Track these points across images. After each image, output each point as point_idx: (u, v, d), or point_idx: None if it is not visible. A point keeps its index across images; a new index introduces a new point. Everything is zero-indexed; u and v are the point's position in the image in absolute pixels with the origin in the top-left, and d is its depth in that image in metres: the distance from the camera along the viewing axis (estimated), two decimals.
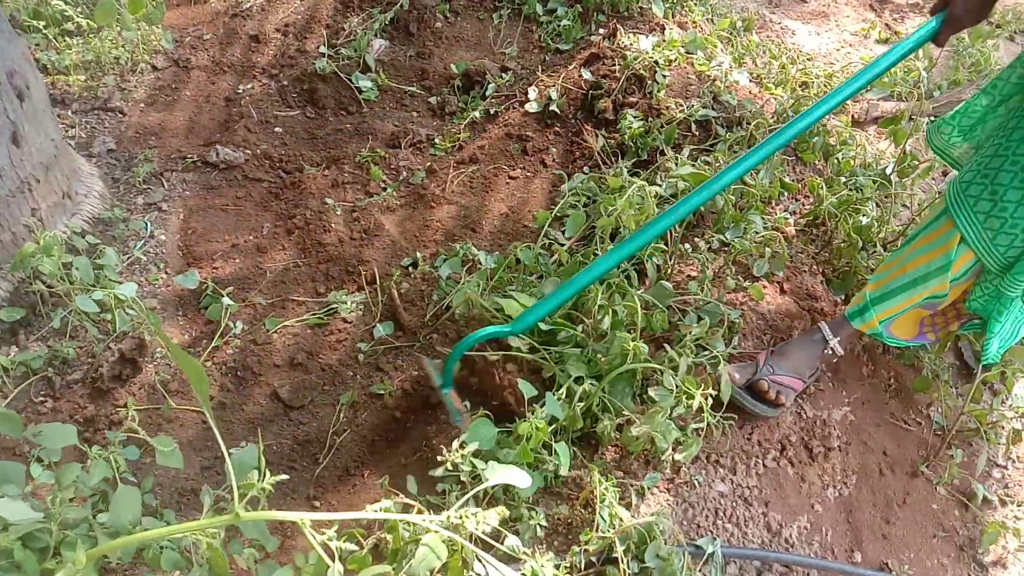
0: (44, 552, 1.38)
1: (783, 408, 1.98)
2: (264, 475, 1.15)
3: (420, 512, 1.19)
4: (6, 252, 2.21)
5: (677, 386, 1.79)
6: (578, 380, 1.89)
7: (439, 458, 1.68)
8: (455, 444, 1.64)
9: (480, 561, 1.15)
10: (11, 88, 2.13)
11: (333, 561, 1.08)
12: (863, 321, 1.95)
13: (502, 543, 1.29)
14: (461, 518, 1.13)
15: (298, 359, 2.20)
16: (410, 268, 2.48)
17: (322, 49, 3.25)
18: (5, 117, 2.11)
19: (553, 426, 1.78)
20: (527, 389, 1.80)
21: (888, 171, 2.72)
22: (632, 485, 1.80)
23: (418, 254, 2.50)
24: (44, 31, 3.16)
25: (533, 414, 1.69)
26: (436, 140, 3.01)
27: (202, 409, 2.07)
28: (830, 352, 2.03)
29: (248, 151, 2.87)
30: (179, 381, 2.15)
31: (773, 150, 1.82)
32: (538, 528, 1.68)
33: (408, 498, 1.50)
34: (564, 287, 1.83)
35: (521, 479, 1.28)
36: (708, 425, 1.82)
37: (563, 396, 1.83)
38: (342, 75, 3.14)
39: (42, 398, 2.07)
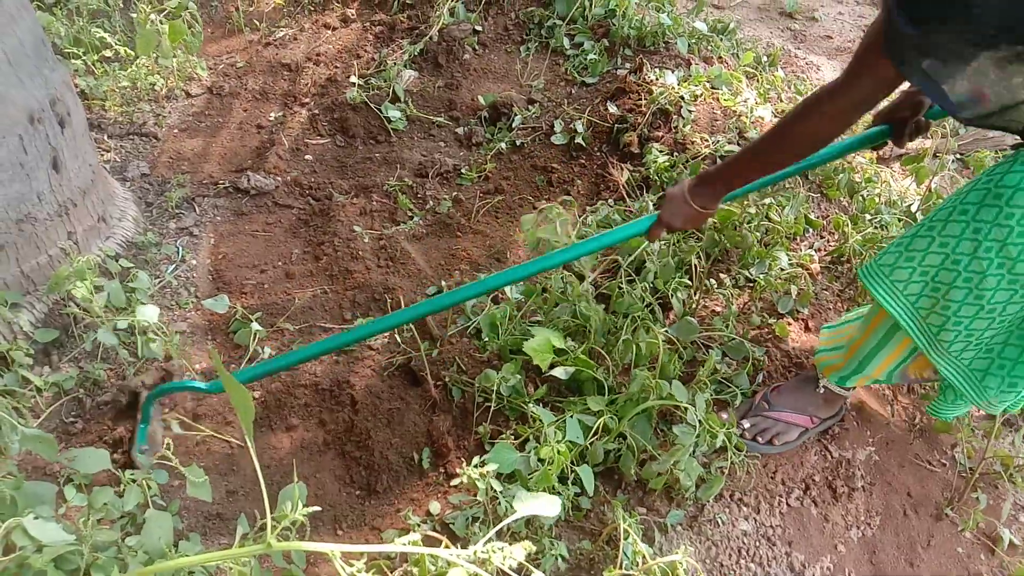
0: (75, 574, 1.40)
1: (779, 447, 1.99)
2: (298, 506, 1.17)
3: (447, 546, 1.21)
4: (42, 274, 2.25)
5: (700, 422, 1.80)
6: (598, 414, 1.91)
7: (458, 473, 1.70)
8: (474, 462, 1.66)
9: None
10: (53, 115, 2.19)
11: None
12: (850, 384, 1.96)
13: None
14: (488, 552, 1.14)
15: (323, 385, 2.22)
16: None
17: (353, 79, 3.31)
18: (47, 143, 2.17)
19: (573, 451, 1.80)
20: (546, 416, 1.82)
21: (914, 209, 2.73)
22: (655, 522, 1.80)
23: (443, 283, 2.53)
24: (83, 58, 3.25)
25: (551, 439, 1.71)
26: (463, 170, 3.05)
27: (226, 435, 2.10)
28: (822, 390, 2.02)
29: (279, 178, 2.92)
30: (206, 405, 2.17)
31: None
32: (559, 560, 1.69)
33: (432, 531, 1.52)
34: (282, 357, 1.87)
35: (550, 508, 1.28)
36: (732, 463, 1.82)
37: (582, 427, 1.85)
38: (372, 105, 3.20)
39: (73, 418, 2.11)
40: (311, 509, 1.17)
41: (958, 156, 3.29)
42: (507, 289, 2.42)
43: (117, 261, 2.39)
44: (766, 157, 1.63)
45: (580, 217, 2.60)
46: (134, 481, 1.60)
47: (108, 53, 3.29)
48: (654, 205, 2.56)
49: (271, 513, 1.10)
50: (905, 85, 1.65)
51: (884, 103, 1.72)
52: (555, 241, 2.15)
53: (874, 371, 1.85)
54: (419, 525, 1.78)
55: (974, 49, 1.20)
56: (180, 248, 2.59)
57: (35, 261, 2.22)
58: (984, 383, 1.63)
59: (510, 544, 1.13)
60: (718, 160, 2.69)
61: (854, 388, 2.01)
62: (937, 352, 1.61)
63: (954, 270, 1.48)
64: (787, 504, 1.93)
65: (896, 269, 1.58)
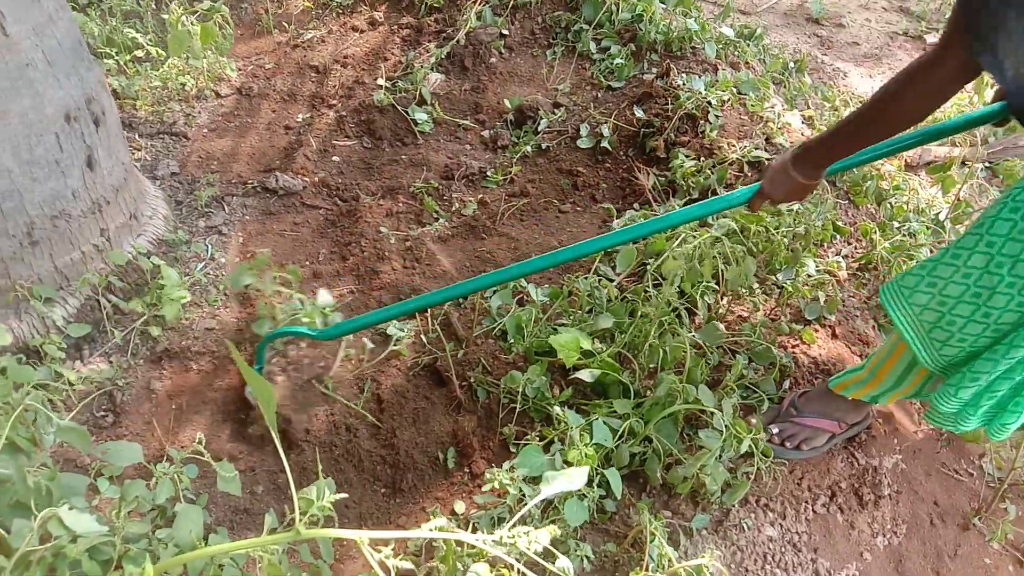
0: (107, 564, 1.42)
1: (808, 452, 1.98)
2: (324, 494, 1.18)
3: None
4: (75, 270, 2.29)
5: (727, 427, 1.80)
6: (624, 417, 1.91)
7: (483, 476, 1.71)
8: (504, 466, 1.67)
9: None
10: (89, 114, 2.22)
11: None
12: (882, 402, 1.95)
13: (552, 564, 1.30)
14: (513, 537, 1.14)
15: (350, 380, 2.24)
16: (460, 298, 2.52)
17: (380, 81, 3.33)
18: (82, 141, 2.20)
19: (600, 454, 1.80)
20: (573, 418, 1.82)
21: (941, 217, 2.71)
22: (680, 525, 1.80)
23: None
24: (116, 57, 3.29)
25: (579, 441, 1.71)
26: (488, 173, 3.06)
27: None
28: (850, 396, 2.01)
29: (306, 179, 2.95)
30: None
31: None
32: (585, 561, 1.69)
33: (462, 527, 1.53)
34: (386, 310, 2.01)
35: (577, 480, 1.25)
36: (758, 468, 1.82)
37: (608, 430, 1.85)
38: (399, 107, 3.22)
39: (103, 413, 2.14)
40: (338, 496, 1.19)
41: (987, 164, 3.27)
42: (532, 291, 2.43)
43: (148, 258, 2.42)
44: (863, 131, 1.62)
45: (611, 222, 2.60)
46: (166, 475, 1.62)
47: (140, 53, 3.34)
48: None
49: (297, 502, 1.11)
50: None
51: None
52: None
53: (906, 387, 1.84)
54: (450, 516, 1.79)
55: None
56: (209, 246, 2.62)
57: (68, 257, 2.26)
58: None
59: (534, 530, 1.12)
60: (745, 166, 2.69)
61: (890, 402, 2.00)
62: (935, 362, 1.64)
63: (972, 303, 1.51)
64: (813, 510, 1.92)
65: (916, 293, 1.60)
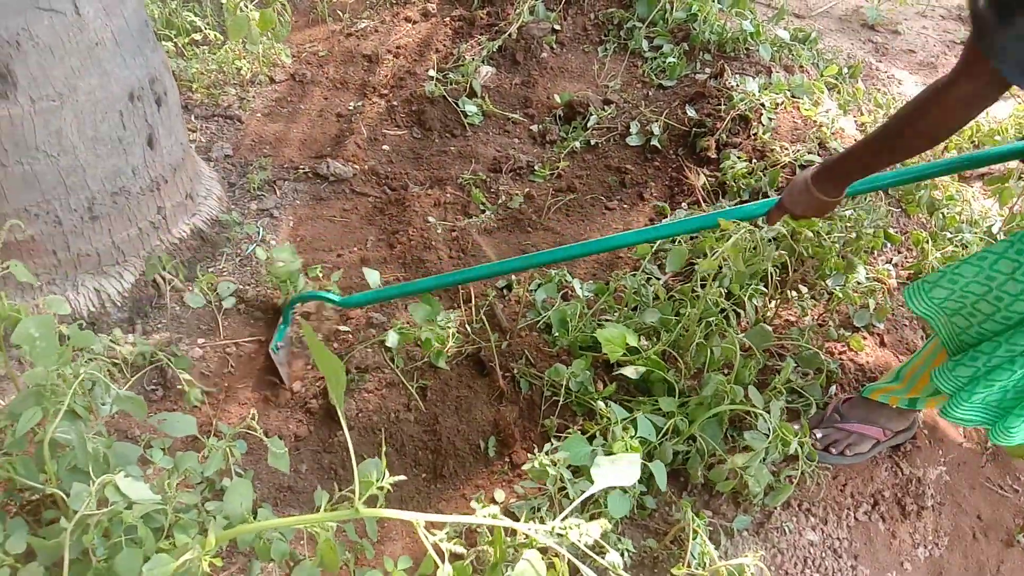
0: (159, 532, 1.46)
1: (851, 457, 1.97)
2: (384, 475, 1.20)
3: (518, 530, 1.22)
4: (132, 246, 2.34)
5: (773, 431, 1.79)
6: (668, 415, 1.91)
7: (527, 462, 1.72)
8: (545, 448, 1.68)
9: None
10: (151, 94, 2.27)
11: (443, 562, 1.12)
12: (919, 407, 1.95)
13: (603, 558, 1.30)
14: (565, 528, 1.15)
15: (363, 366, 2.26)
16: (505, 291, 2.53)
17: (431, 72, 3.35)
18: (144, 120, 2.25)
19: (644, 450, 1.81)
20: (618, 412, 1.83)
21: (995, 230, 2.67)
22: (721, 525, 1.79)
23: (514, 277, 2.55)
24: (174, 39, 3.35)
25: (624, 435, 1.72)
26: (536, 167, 3.07)
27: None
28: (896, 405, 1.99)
29: (356, 166, 2.98)
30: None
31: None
32: (625, 555, 1.70)
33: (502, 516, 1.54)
34: (409, 284, 2.14)
35: (630, 473, 1.24)
36: (802, 472, 1.81)
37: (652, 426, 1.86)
38: (449, 99, 3.24)
39: (154, 386, 2.18)
40: (396, 478, 1.20)
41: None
42: (577, 286, 2.44)
43: (202, 238, 2.47)
44: (884, 150, 1.61)
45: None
46: (217, 448, 1.66)
47: (197, 36, 3.40)
48: None
49: (358, 480, 1.13)
50: None
51: None
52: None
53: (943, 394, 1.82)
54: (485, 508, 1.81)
55: None
56: (261, 228, 2.67)
57: (126, 233, 2.31)
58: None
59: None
60: (797, 170, 2.67)
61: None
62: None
63: (994, 305, 1.55)
64: (855, 517, 1.91)
65: (936, 287, 1.64)
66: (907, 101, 1.50)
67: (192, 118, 3.13)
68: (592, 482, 1.22)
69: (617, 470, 1.20)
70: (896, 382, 1.91)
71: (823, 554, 1.82)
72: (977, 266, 1.56)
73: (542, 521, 1.74)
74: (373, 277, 2.25)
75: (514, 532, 1.42)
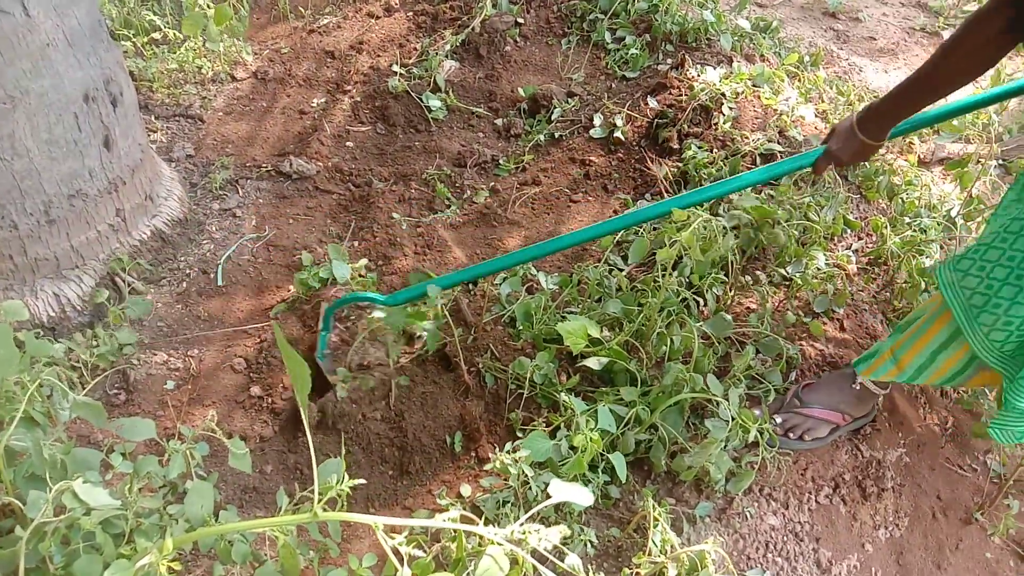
0: (119, 538, 1.45)
1: (810, 442, 1.99)
2: (343, 479, 1.20)
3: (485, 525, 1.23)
4: (91, 249, 2.32)
5: (733, 418, 1.81)
6: (630, 404, 1.93)
7: (489, 461, 1.73)
8: (507, 447, 1.69)
9: None
10: (107, 95, 2.24)
11: (402, 565, 1.12)
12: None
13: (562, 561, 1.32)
14: (524, 533, 1.16)
15: (366, 362, 2.26)
16: (470, 285, 2.54)
17: (395, 68, 3.34)
18: (99, 121, 2.23)
19: (605, 440, 1.83)
20: (579, 405, 1.84)
21: (953, 214, 2.71)
22: (683, 512, 1.81)
23: None
24: (133, 39, 3.31)
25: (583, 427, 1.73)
26: (500, 161, 3.07)
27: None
28: (858, 387, 2.02)
29: (320, 163, 2.97)
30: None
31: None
32: (588, 546, 1.71)
33: (468, 510, 1.55)
34: (459, 273, 2.13)
35: (583, 497, 1.29)
36: (763, 458, 1.84)
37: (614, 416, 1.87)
38: (413, 94, 3.23)
39: (116, 390, 2.17)
40: (355, 481, 1.21)
41: (1001, 162, 3.26)
42: (542, 279, 2.45)
43: (162, 240, 2.45)
44: (922, 90, 1.65)
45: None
46: (178, 451, 1.65)
47: (157, 35, 3.36)
48: None
49: (317, 483, 1.13)
50: None
51: None
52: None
53: (935, 373, 1.85)
54: (451, 506, 1.81)
55: None
56: (223, 229, 2.65)
57: (84, 236, 2.29)
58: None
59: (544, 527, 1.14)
60: (758, 159, 2.69)
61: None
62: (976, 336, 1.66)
63: (1017, 285, 1.55)
64: (816, 501, 1.94)
65: (968, 276, 1.65)
66: (943, 42, 1.53)
67: (152, 118, 3.10)
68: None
69: (572, 490, 1.24)
70: (884, 353, 1.92)
71: (784, 538, 1.85)
72: (999, 248, 1.58)
73: (507, 516, 1.75)
74: (342, 271, 2.25)
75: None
